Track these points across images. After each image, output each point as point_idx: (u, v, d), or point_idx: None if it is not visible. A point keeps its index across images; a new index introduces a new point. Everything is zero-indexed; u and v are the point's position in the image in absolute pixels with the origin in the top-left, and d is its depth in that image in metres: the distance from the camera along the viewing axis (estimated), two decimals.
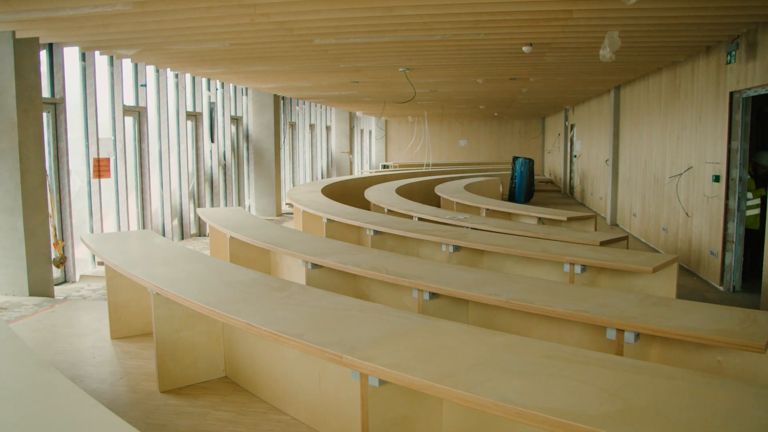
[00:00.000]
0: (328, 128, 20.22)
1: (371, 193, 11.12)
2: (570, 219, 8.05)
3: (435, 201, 12.36)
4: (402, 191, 12.13)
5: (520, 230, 6.70)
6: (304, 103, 17.29)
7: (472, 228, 6.98)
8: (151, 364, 4.50)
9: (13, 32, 6.17)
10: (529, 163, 17.27)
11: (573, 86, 12.20)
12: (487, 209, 9.68)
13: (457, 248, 5.94)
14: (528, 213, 8.80)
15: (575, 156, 18.36)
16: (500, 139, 26.89)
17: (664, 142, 9.61)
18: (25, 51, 6.39)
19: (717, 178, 7.49)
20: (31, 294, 6.55)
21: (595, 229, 8.26)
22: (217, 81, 11.99)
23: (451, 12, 5.42)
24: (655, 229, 10.01)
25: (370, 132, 26.16)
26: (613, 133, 12.71)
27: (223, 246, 7.85)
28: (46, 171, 6.80)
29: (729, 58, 6.94)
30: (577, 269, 4.99)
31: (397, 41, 6.77)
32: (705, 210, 7.89)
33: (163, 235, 10.29)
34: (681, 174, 8.59)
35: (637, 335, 3.31)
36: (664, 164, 9.63)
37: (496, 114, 22.09)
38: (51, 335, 5.23)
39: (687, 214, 8.49)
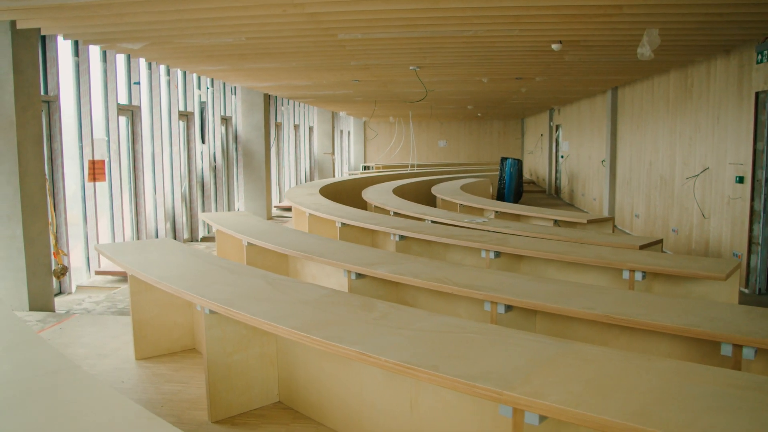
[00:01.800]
0: (310, 129, 19.76)
1: (371, 196, 10.76)
2: (589, 221, 7.85)
3: (428, 202, 12.06)
4: (396, 193, 11.81)
5: (551, 234, 6.45)
6: (288, 103, 16.82)
7: (493, 231, 6.70)
8: (191, 389, 4.06)
9: (13, 23, 5.63)
10: (518, 163, 17.14)
11: (571, 86, 12.07)
12: (496, 211, 9.43)
13: (498, 254, 5.64)
14: (541, 215, 8.57)
15: (562, 157, 18.32)
16: (479, 139, 26.81)
17: (673, 143, 9.51)
18: (23, 43, 5.85)
19: (741, 180, 7.37)
20: (32, 308, 5.99)
21: (612, 231, 8.09)
22: (208, 79, 11.47)
23: (496, 5, 5.13)
24: (663, 230, 9.91)
25: (349, 133, 25.77)
26: (610, 133, 12.62)
27: (232, 252, 7.40)
28: (45, 174, 6.26)
29: (760, 57, 6.82)
30: (638, 276, 4.74)
31: (424, 37, 6.45)
32: (725, 211, 7.78)
33: None
34: (697, 175, 8.48)
35: (756, 351, 3.06)
36: (673, 165, 9.53)
37: (479, 114, 21.95)
38: (67, 356, 4.73)
39: (704, 215, 8.38)
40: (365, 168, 24.46)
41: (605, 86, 12.28)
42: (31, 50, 5.96)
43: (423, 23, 5.77)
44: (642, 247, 5.90)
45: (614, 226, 11.78)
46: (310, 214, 8.68)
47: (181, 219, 10.49)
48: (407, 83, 10.76)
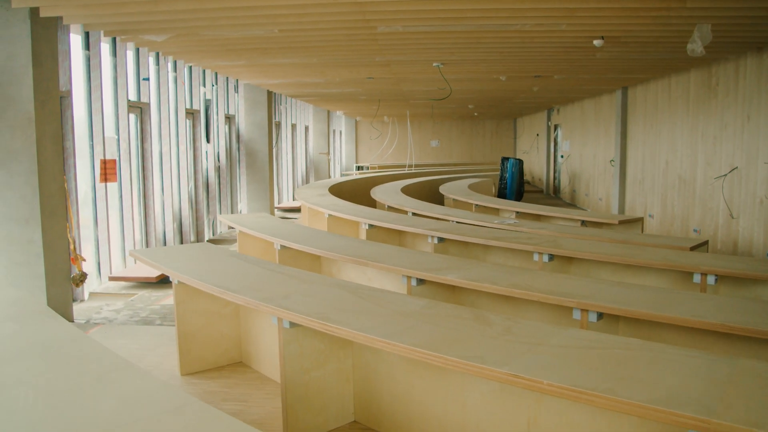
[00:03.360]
0: (306, 128, 19.38)
1: (382, 196, 10.48)
2: (621, 222, 7.67)
3: (434, 202, 11.79)
4: (404, 193, 11.53)
5: (595, 235, 6.23)
6: (287, 101, 16.44)
7: (527, 231, 6.47)
8: (253, 408, 3.74)
9: (33, 11, 5.23)
10: (519, 163, 17.01)
11: (582, 85, 11.92)
12: (517, 212, 9.21)
13: (552, 257, 5.40)
14: (565, 215, 8.38)
15: (562, 156, 18.21)
16: (472, 139, 26.67)
17: (695, 143, 9.37)
18: (42, 34, 5.44)
19: None
20: None
21: (642, 231, 7.92)
22: (212, 75, 11.07)
23: None
24: (682, 230, 9.78)
25: (341, 132, 25.43)
26: (620, 133, 12.49)
27: (255, 255, 7.05)
28: (64, 173, 5.86)
29: None
30: (711, 280, 4.53)
31: (463, 31, 6.20)
32: (757, 211, 7.65)
33: (164, 244, 9.33)
34: (725, 175, 8.35)
35: None
36: (694, 165, 9.40)
37: (476, 114, 21.78)
38: None
39: (732, 215, 8.25)
40: (359, 168, 24.13)
41: (615, 85, 12.14)
42: (51, 41, 5.56)
43: (470, 15, 5.50)
44: (692, 248, 5.73)
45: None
46: (329, 215, 8.37)
47: (188, 221, 10.09)
48: (422, 81, 10.49)
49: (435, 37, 6.54)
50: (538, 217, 8.77)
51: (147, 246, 8.63)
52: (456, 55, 7.76)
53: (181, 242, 9.89)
